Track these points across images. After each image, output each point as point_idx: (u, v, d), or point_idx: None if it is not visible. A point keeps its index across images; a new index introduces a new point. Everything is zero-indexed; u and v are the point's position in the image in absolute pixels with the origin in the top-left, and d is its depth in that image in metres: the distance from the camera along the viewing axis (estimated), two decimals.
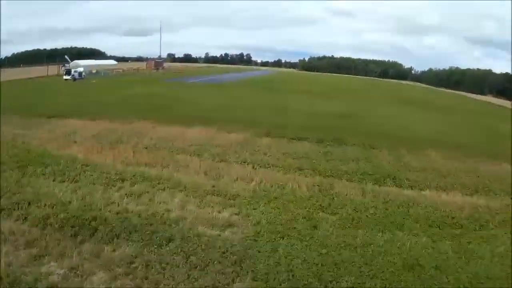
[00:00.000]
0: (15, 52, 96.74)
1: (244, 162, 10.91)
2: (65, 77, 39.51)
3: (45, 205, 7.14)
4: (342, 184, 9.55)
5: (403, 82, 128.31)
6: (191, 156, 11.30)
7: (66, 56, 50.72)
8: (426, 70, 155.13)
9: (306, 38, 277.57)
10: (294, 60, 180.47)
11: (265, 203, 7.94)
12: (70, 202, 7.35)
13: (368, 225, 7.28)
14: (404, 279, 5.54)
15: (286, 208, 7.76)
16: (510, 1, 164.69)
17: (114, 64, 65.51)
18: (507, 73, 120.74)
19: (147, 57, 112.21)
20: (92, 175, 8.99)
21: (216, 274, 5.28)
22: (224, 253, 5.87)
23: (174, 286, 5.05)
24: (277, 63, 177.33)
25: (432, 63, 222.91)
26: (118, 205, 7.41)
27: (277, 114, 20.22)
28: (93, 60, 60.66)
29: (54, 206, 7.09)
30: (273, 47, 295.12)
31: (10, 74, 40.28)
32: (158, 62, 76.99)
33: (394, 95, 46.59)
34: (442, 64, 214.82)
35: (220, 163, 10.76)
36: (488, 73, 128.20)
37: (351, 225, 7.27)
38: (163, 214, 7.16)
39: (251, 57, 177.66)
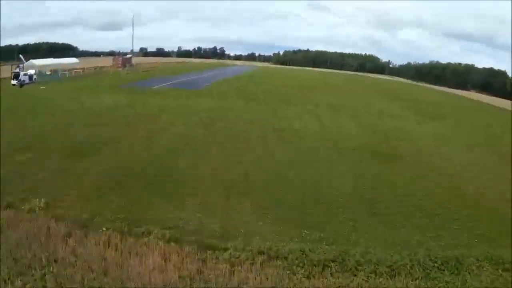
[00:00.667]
0: None
1: None
2: (12, 81, 33.15)
3: None
4: None
5: (381, 76, 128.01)
6: None
7: (20, 55, 42.44)
8: (404, 64, 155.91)
9: (280, 32, 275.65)
10: (268, 53, 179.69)
11: None
12: None
13: None
14: None
15: None
16: None
17: (75, 63, 59.10)
18: (491, 68, 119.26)
19: (119, 52, 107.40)
20: None
21: None
22: None
23: None
24: (251, 57, 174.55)
25: (411, 57, 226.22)
26: None
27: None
28: (51, 59, 53.51)
29: None
30: (246, 41, 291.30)
31: None
32: (125, 59, 67.67)
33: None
34: (421, 58, 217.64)
35: None
36: (471, 68, 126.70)
37: None
38: None
39: (224, 51, 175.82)
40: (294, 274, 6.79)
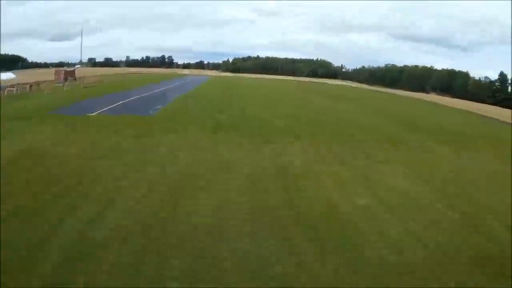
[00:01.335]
0: None
1: None
2: None
3: None
4: None
5: (331, 82, 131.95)
6: None
7: None
8: (358, 68, 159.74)
9: (228, 39, 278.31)
10: (217, 61, 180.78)
11: None
12: None
13: None
14: None
15: None
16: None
17: (11, 79, 54.68)
18: (452, 70, 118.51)
19: (68, 63, 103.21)
20: None
21: None
22: None
23: None
24: (200, 65, 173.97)
25: (366, 61, 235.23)
26: None
27: None
28: None
29: None
30: (195, 49, 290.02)
31: None
32: (68, 72, 61.12)
33: None
34: (376, 62, 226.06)
35: None
36: (430, 70, 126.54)
37: None
38: None
39: (172, 60, 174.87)
40: None
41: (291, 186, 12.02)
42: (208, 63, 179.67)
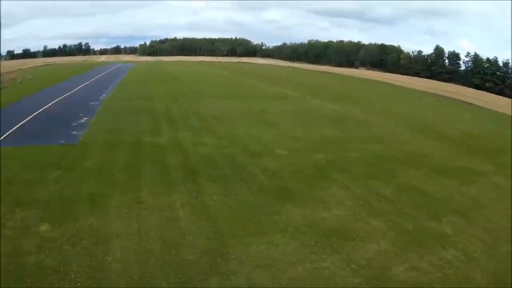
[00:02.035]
0: None
1: None
2: None
3: None
4: None
5: (249, 60, 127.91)
6: None
7: None
8: (279, 45, 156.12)
9: (144, 21, 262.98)
10: (135, 44, 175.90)
11: None
12: None
13: None
14: None
15: None
16: None
17: None
18: (382, 44, 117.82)
19: None
20: None
21: None
22: None
23: None
24: (117, 50, 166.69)
25: (288, 38, 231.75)
26: None
27: None
28: None
29: None
30: (111, 34, 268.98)
31: None
32: None
33: None
34: (299, 38, 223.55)
35: None
36: (358, 45, 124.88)
37: None
38: None
39: (89, 46, 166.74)
40: None
41: None
42: (125, 47, 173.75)
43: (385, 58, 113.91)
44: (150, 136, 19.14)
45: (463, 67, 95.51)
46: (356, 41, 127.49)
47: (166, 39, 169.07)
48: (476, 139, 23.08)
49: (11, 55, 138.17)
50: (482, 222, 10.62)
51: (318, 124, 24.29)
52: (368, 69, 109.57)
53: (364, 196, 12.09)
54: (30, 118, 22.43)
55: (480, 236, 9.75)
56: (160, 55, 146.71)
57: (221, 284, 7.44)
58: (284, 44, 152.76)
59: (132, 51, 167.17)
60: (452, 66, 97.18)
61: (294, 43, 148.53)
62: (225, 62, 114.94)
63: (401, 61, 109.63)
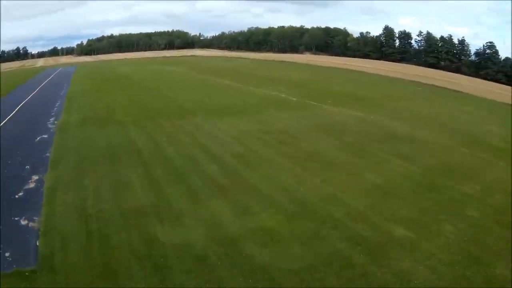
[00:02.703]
0: None
1: None
2: None
3: None
4: None
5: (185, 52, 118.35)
6: None
7: None
8: (217, 34, 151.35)
9: (78, 20, 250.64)
10: (71, 45, 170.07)
11: None
12: None
13: None
14: None
15: None
16: None
17: None
18: (327, 28, 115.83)
19: None
20: None
21: None
22: None
23: None
24: (54, 52, 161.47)
25: (221, 27, 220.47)
26: None
27: None
28: None
29: None
30: (47, 35, 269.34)
31: None
32: None
33: None
34: (238, 27, 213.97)
35: None
36: (301, 29, 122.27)
37: None
38: None
39: (27, 50, 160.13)
40: None
41: None
42: (62, 48, 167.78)
43: (331, 41, 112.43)
44: (160, 224, 10.76)
45: (415, 47, 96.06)
46: (298, 25, 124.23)
47: (103, 37, 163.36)
48: None
49: None
50: None
51: (371, 149, 18.27)
52: (313, 54, 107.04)
53: None
54: None
55: None
56: (98, 53, 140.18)
57: None
58: (223, 33, 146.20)
59: (69, 51, 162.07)
60: (403, 46, 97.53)
61: (233, 31, 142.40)
62: (169, 56, 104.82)
63: (348, 44, 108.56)
